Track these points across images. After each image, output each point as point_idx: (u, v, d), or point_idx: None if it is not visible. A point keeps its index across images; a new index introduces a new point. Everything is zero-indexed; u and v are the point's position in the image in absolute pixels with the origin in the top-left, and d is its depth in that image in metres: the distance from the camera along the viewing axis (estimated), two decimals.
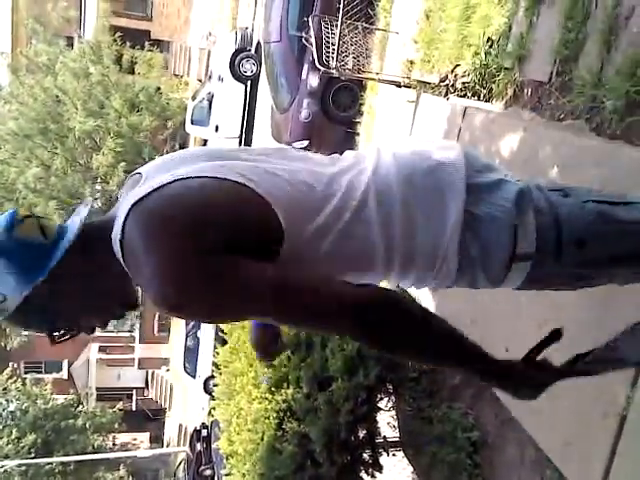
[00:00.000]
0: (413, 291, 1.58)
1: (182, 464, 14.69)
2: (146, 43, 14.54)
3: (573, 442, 2.67)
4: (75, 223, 1.10)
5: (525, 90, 3.66)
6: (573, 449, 2.65)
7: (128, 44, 13.76)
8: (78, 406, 17.20)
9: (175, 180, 1.05)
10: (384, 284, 1.17)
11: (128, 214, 1.02)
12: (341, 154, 1.27)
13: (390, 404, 4.37)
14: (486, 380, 1.11)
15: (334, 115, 6.95)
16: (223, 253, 0.99)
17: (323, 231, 1.08)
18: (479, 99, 4.12)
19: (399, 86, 5.41)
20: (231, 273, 0.98)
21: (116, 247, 1.05)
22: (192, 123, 11.45)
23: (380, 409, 4.10)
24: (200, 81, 13.36)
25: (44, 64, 13.26)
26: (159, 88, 13.68)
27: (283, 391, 3.95)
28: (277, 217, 1.04)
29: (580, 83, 3.08)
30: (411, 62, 5.50)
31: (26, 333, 17.32)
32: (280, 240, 1.05)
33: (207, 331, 11.16)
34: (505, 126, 3.49)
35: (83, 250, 1.08)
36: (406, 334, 1.04)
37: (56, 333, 1.19)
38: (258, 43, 9.90)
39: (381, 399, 4.18)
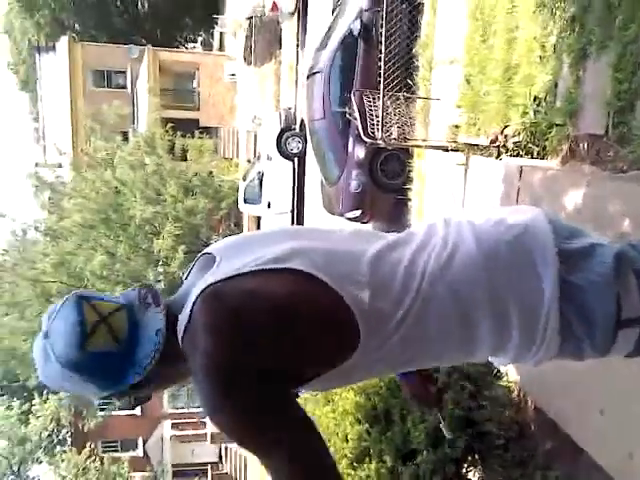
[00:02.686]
0: None
1: None
2: (196, 131, 15.35)
3: None
4: (152, 318, 1.06)
5: (580, 144, 3.62)
6: None
7: (179, 133, 14.54)
8: None
9: (256, 270, 1.03)
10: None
11: (199, 295, 1.02)
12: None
13: (478, 475, 4.15)
14: None
15: (383, 183, 7.03)
16: (274, 382, 0.99)
17: (398, 325, 1.06)
18: (533, 157, 4.09)
19: (446, 150, 5.45)
20: (272, 407, 0.99)
21: (180, 327, 1.04)
22: (245, 202, 11.81)
23: None
24: (249, 162, 13.88)
25: (103, 159, 14.14)
26: (211, 172, 14.28)
27: (365, 466, 3.82)
28: (357, 329, 1.04)
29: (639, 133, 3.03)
30: (456, 126, 5.55)
31: (102, 413, 17.67)
32: (351, 347, 1.04)
33: None
34: (567, 182, 3.43)
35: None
36: None
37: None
38: (302, 121, 10.26)
39: (469, 471, 3.98)
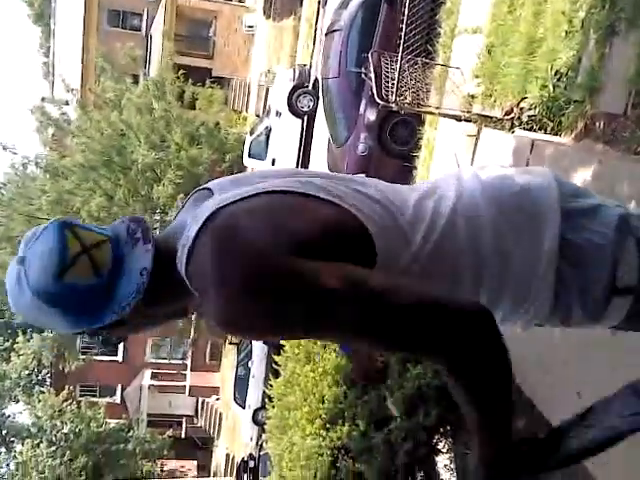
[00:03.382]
0: None
1: None
2: (207, 80, 15.09)
3: None
4: (140, 256, 0.99)
5: (597, 123, 3.55)
6: None
7: (190, 81, 14.30)
8: (129, 431, 17.47)
9: (265, 192, 1.00)
10: None
11: (208, 218, 0.96)
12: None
13: (447, 446, 4.20)
14: (484, 454, 0.97)
15: (391, 149, 6.94)
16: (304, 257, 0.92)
17: (414, 258, 1.03)
18: (546, 132, 4.02)
19: (459, 120, 5.37)
20: (312, 274, 0.90)
21: (181, 257, 0.98)
22: (249, 156, 11.71)
23: (439, 451, 3.94)
24: (258, 116, 13.72)
25: (110, 100, 13.95)
26: (218, 123, 14.11)
27: (338, 428, 3.86)
28: (372, 246, 0.99)
29: None
30: (472, 96, 5.46)
31: (83, 357, 17.88)
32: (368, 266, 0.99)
33: (258, 362, 11.15)
34: (578, 159, 3.37)
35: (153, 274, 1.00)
36: (493, 361, 0.94)
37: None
38: (315, 79, 10.10)
39: (439, 441, 4.03)
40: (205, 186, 1.13)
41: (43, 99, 17.63)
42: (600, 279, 1.05)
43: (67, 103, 15.87)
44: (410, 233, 1.04)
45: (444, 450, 4.14)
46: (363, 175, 1.25)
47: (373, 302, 0.90)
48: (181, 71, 14.33)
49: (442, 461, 4.16)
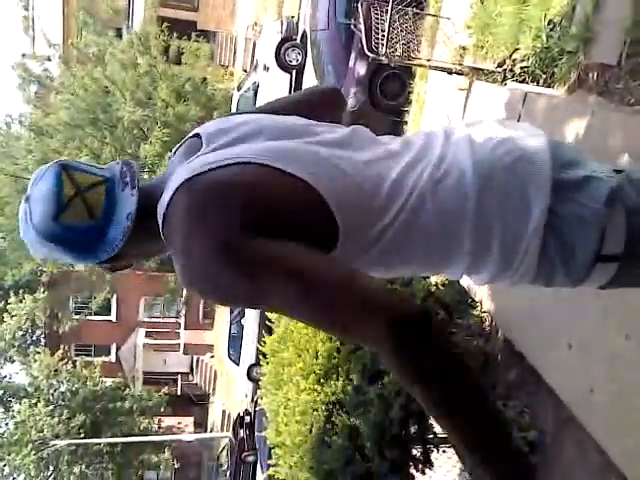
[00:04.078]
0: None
1: (225, 449, 14.99)
2: (193, 34, 14.66)
3: None
4: (126, 200, 1.06)
5: (590, 74, 3.48)
6: None
7: (175, 35, 13.88)
8: (125, 389, 17.74)
9: (233, 164, 1.02)
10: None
11: (178, 188, 1.01)
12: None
13: None
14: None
15: (381, 103, 6.81)
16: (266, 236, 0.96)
17: (384, 231, 1.03)
18: (539, 84, 3.95)
19: (450, 73, 5.26)
20: (269, 253, 0.95)
21: (159, 218, 1.04)
22: (238, 113, 11.48)
23: None
24: (245, 71, 13.40)
25: (94, 55, 13.55)
26: (205, 78, 13.77)
27: (332, 383, 3.90)
28: (335, 221, 1.00)
29: None
30: (463, 48, 5.34)
31: (76, 317, 17.91)
32: (331, 241, 1.01)
33: (251, 319, 11.26)
34: (570, 111, 3.32)
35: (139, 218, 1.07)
36: (440, 364, 0.90)
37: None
38: (304, 32, 9.83)
39: None
40: (195, 132, 1.17)
41: (24, 55, 17.11)
42: (585, 248, 1.05)
43: (49, 59, 15.43)
44: (384, 207, 1.03)
45: None
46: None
47: (306, 295, 0.94)
48: (165, 24, 13.88)
49: None
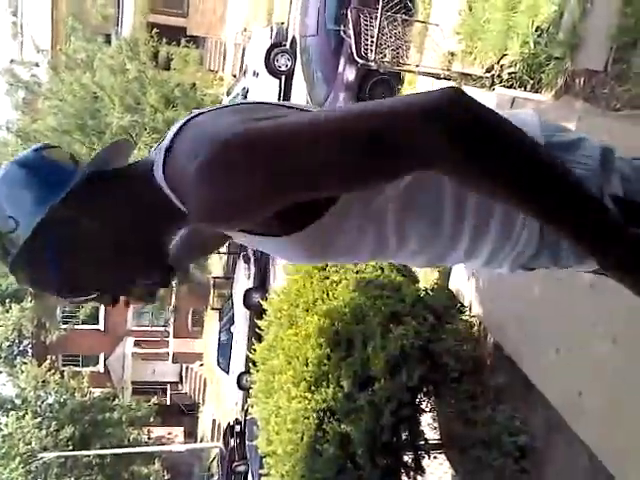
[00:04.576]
0: None
1: (216, 459, 14.84)
2: (182, 39, 14.64)
3: (634, 450, 2.52)
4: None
5: (577, 80, 3.51)
6: (635, 458, 2.51)
7: (164, 40, 13.86)
8: (114, 399, 17.46)
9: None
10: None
11: (178, 129, 0.95)
12: None
13: (431, 405, 4.27)
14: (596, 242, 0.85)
15: None
16: None
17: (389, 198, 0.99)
18: (526, 90, 3.97)
19: (439, 78, 5.28)
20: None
21: (158, 160, 0.95)
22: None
23: (423, 411, 4.00)
24: (235, 76, 13.38)
25: (82, 61, 13.48)
26: (194, 84, 13.74)
27: (323, 390, 3.87)
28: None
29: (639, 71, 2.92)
30: (452, 54, 5.38)
31: (64, 326, 17.69)
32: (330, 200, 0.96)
33: (241, 326, 11.19)
34: (557, 116, 3.34)
35: (115, 175, 1.04)
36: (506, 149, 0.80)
37: (67, 296, 1.06)
38: (293, 38, 9.84)
39: (423, 401, 4.08)
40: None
41: (12, 61, 17.01)
42: None
43: (37, 65, 15.35)
44: None
45: (427, 409, 4.21)
46: None
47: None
48: (154, 30, 13.85)
49: (426, 420, 4.23)
